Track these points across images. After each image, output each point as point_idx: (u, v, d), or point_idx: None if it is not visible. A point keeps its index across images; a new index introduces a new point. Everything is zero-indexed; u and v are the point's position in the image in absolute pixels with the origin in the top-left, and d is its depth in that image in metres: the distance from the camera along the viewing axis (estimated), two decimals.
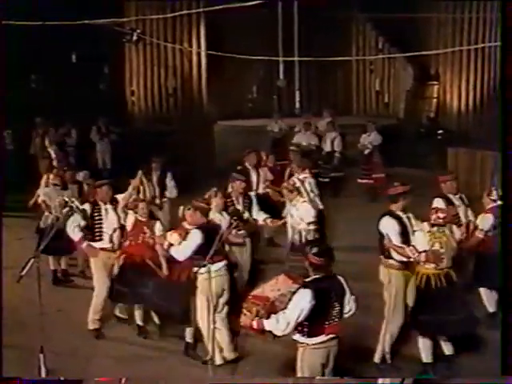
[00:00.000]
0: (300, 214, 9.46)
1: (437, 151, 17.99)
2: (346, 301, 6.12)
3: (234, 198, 9.67)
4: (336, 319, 6.02)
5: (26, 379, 6.19)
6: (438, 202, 8.71)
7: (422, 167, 17.12)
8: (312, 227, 9.36)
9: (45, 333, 6.79)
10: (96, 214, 8.68)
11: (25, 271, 6.37)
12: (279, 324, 5.90)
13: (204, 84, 20.86)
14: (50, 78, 18.77)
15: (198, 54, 20.59)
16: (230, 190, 9.91)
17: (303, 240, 9.16)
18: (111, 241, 8.70)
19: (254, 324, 6.11)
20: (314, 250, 6.03)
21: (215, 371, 7.26)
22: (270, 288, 6.55)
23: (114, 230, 8.69)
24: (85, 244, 8.63)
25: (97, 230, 8.68)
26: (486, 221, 8.59)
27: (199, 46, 20.51)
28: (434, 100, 20.80)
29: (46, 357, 6.69)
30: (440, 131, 19.34)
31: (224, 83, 21.32)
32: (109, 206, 8.76)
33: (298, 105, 21.28)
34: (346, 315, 6.16)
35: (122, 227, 8.71)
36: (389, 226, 7.69)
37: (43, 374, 6.33)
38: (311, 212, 9.50)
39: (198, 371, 7.55)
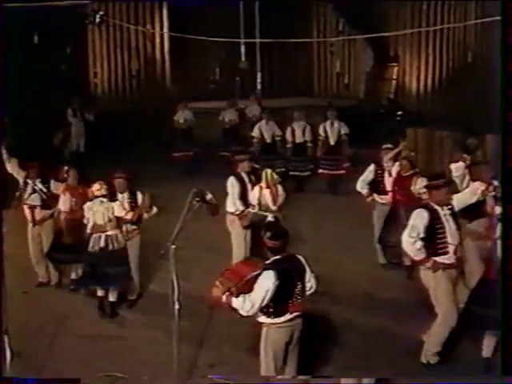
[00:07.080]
0: None
1: (396, 131, 18.24)
2: (307, 279, 6.29)
3: None
4: (299, 297, 6.18)
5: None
6: None
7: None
8: None
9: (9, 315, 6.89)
10: (437, 222, 7.10)
11: None
12: (245, 305, 6.01)
13: (167, 66, 20.98)
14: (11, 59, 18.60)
15: (161, 36, 20.69)
16: None
17: None
18: (456, 255, 7.18)
19: (224, 298, 6.20)
20: (268, 234, 6.16)
21: None
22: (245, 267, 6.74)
23: (459, 243, 7.22)
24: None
25: (439, 241, 7.10)
26: None
27: (162, 28, 20.60)
28: (394, 81, 20.99)
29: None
30: (399, 112, 19.52)
31: (187, 65, 21.39)
32: (447, 211, 7.17)
33: (259, 86, 21.46)
34: (307, 293, 6.32)
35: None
36: None
37: (8, 356, 6.46)
38: None
39: None
